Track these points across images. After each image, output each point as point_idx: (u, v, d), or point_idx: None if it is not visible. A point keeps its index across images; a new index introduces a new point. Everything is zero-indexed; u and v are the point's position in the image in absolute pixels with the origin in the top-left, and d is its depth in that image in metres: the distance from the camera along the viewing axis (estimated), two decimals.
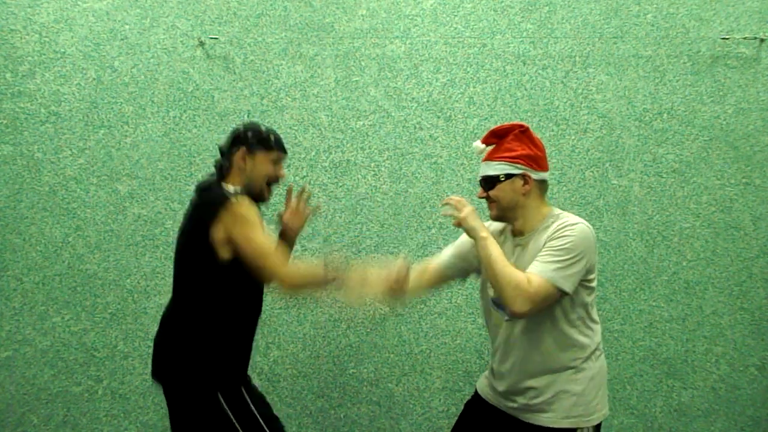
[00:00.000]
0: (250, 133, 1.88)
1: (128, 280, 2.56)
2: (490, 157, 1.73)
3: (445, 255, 1.92)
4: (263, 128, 1.92)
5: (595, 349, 1.70)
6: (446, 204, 1.75)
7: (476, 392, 1.93)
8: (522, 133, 1.71)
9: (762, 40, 2.61)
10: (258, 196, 1.89)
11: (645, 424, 2.59)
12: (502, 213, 1.73)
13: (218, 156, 1.94)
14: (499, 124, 1.77)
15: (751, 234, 2.61)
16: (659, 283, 2.60)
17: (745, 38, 2.61)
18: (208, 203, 1.77)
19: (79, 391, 2.55)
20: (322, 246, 2.58)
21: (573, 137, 2.62)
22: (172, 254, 2.56)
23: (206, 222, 1.73)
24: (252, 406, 1.79)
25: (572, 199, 2.60)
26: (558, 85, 2.62)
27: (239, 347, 1.84)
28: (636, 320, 2.60)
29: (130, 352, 2.56)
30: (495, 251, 1.63)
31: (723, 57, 2.63)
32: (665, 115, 2.63)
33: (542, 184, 1.73)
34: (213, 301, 1.77)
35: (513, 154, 1.69)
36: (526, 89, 2.62)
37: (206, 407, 1.74)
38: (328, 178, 2.61)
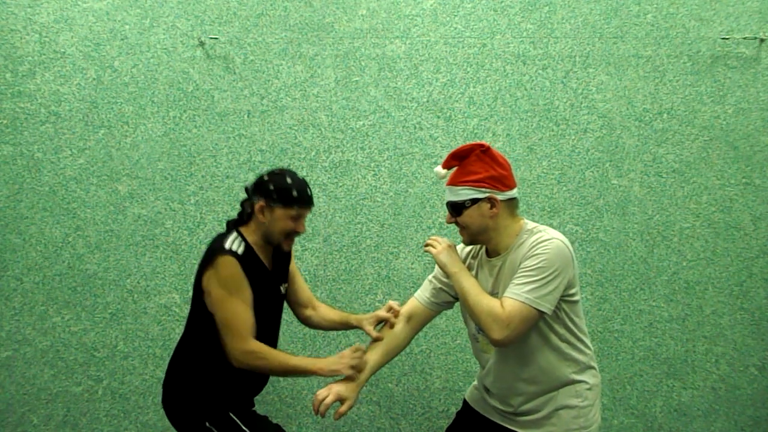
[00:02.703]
0: (271, 186, 1.80)
1: (128, 280, 2.56)
2: (453, 182, 1.66)
3: (426, 289, 1.88)
4: (288, 180, 1.81)
5: (590, 360, 1.68)
6: (428, 244, 1.75)
7: (467, 403, 1.90)
8: (483, 153, 1.64)
9: (762, 40, 2.61)
10: (277, 247, 1.88)
11: (645, 424, 2.59)
12: (474, 238, 1.69)
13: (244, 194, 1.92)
14: (459, 146, 1.70)
15: (751, 234, 2.61)
16: (659, 283, 2.60)
17: (745, 38, 2.61)
18: (208, 250, 1.82)
19: (79, 391, 2.55)
20: (322, 246, 2.59)
21: (573, 137, 2.62)
22: (172, 254, 2.58)
23: (200, 268, 1.81)
24: (243, 426, 1.82)
25: (572, 199, 2.59)
26: (558, 85, 2.62)
27: (235, 380, 1.85)
28: (636, 320, 2.60)
29: (130, 352, 2.56)
30: (467, 283, 1.62)
31: (723, 57, 2.63)
32: (665, 115, 2.63)
33: (511, 202, 1.67)
34: (206, 339, 1.81)
35: (477, 177, 1.62)
36: (526, 89, 2.62)
37: None
38: (328, 178, 2.61)
